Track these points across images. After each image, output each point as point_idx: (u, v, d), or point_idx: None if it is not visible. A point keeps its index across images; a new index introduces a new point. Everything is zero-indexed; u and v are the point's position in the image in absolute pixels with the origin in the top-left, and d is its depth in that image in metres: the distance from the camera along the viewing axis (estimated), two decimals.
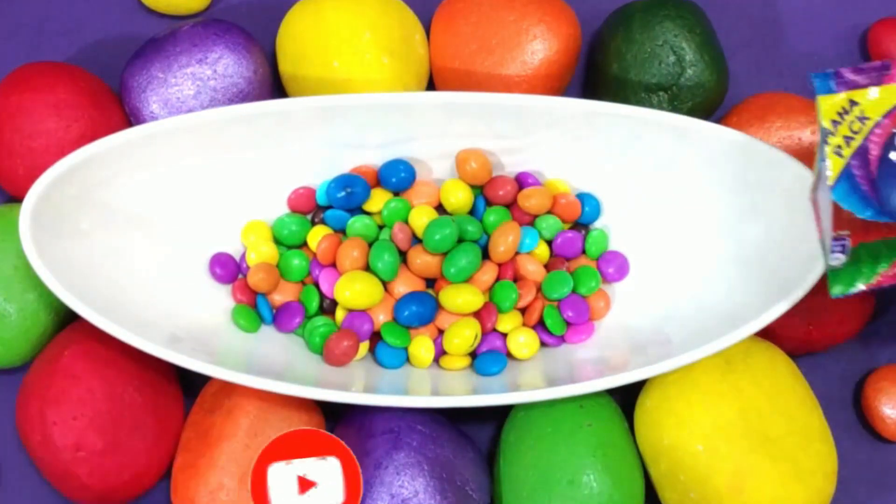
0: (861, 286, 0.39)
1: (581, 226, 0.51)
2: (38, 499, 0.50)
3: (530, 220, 0.50)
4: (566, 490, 0.44)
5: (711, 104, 0.51)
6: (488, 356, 0.48)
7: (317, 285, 0.50)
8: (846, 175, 0.37)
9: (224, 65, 0.51)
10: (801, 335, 0.49)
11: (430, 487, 0.43)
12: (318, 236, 0.49)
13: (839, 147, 0.36)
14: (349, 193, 0.49)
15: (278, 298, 0.49)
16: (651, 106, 0.51)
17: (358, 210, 0.50)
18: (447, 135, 0.49)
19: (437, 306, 0.48)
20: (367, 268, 0.48)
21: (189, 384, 0.50)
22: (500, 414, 0.50)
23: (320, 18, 0.51)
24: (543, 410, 0.46)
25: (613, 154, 0.49)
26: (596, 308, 0.50)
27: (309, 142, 0.49)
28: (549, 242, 0.50)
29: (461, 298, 0.47)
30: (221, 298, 0.49)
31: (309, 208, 0.51)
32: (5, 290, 0.47)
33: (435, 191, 0.50)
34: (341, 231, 0.50)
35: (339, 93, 0.49)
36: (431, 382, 0.47)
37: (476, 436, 0.50)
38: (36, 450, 0.45)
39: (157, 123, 0.45)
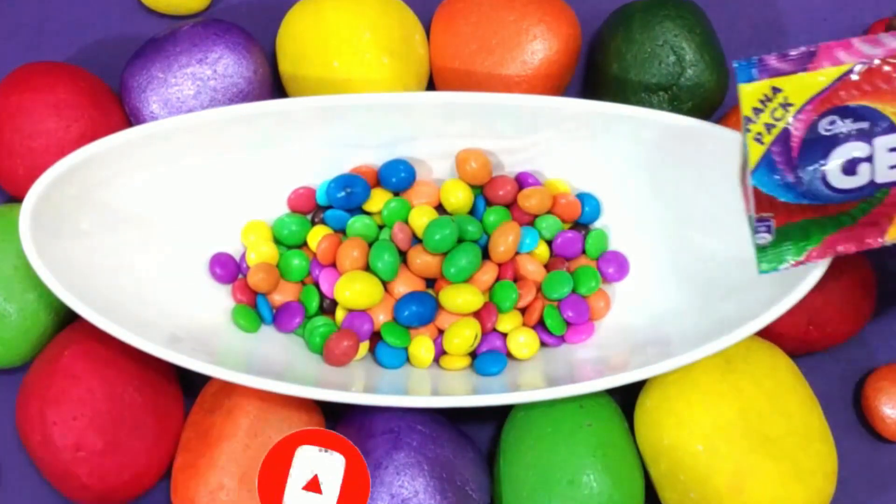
0: (790, 262, 0.40)
1: (581, 226, 0.51)
2: (38, 499, 0.50)
3: (530, 220, 0.50)
4: (566, 490, 0.44)
5: (711, 104, 0.51)
6: (488, 356, 0.48)
7: (317, 285, 0.50)
8: (766, 161, 0.37)
9: (224, 65, 0.51)
10: (801, 335, 0.49)
11: (430, 487, 0.43)
12: (318, 236, 0.49)
13: (759, 134, 0.37)
14: (349, 193, 0.49)
15: (278, 298, 0.49)
16: (651, 106, 0.51)
17: (358, 210, 0.50)
18: (447, 135, 0.49)
19: (437, 306, 0.48)
20: (367, 268, 0.48)
21: (189, 384, 0.50)
22: (500, 414, 0.50)
23: (320, 18, 0.51)
24: (543, 410, 0.46)
25: (613, 154, 0.49)
26: (596, 308, 0.50)
27: (309, 142, 0.49)
28: (549, 242, 0.50)
29: (461, 298, 0.47)
30: (221, 298, 0.49)
31: (309, 208, 0.51)
32: (5, 290, 0.47)
33: (435, 191, 0.50)
34: (341, 231, 0.50)
35: (339, 93, 0.49)
36: (431, 382, 0.47)
37: (476, 436, 0.50)
38: (36, 450, 0.45)
39: (157, 123, 0.45)
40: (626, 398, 0.49)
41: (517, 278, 0.49)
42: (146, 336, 0.43)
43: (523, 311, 0.49)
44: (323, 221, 0.50)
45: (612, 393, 0.48)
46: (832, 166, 0.37)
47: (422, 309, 0.47)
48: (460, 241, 0.49)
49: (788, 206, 0.39)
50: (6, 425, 0.51)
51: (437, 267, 0.48)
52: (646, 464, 0.47)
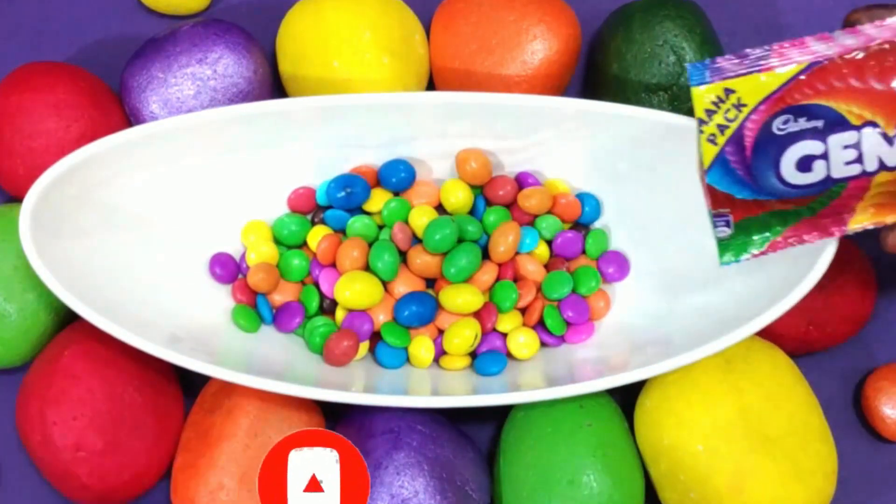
0: (751, 253, 0.40)
1: (581, 226, 0.51)
2: (38, 499, 0.50)
3: (530, 220, 0.50)
4: (566, 490, 0.44)
5: None
6: (488, 356, 0.48)
7: (317, 285, 0.50)
8: (720, 161, 0.38)
9: (224, 65, 0.51)
10: (801, 335, 0.49)
11: (430, 487, 0.43)
12: (318, 236, 0.49)
13: (713, 135, 0.37)
14: (349, 193, 0.49)
15: (278, 298, 0.49)
16: (651, 106, 0.51)
17: (358, 210, 0.50)
18: (447, 135, 0.49)
19: (437, 306, 0.48)
20: (367, 268, 0.48)
21: (189, 384, 0.50)
22: (500, 414, 0.50)
23: (320, 18, 0.51)
24: (543, 410, 0.46)
25: (613, 154, 0.49)
26: (596, 308, 0.50)
27: (309, 142, 0.49)
28: (549, 242, 0.50)
29: (461, 298, 0.47)
30: (221, 298, 0.49)
31: (309, 208, 0.51)
32: (5, 290, 0.47)
33: (435, 191, 0.50)
34: (341, 231, 0.50)
35: (339, 93, 0.49)
36: (431, 382, 0.47)
37: (476, 436, 0.50)
38: (36, 450, 0.45)
39: (157, 123, 0.45)
40: (626, 398, 0.49)
41: (517, 278, 0.49)
42: (146, 336, 0.43)
43: (523, 311, 0.49)
44: (323, 221, 0.50)
45: (612, 393, 0.48)
46: (787, 164, 0.38)
47: (422, 309, 0.47)
48: (460, 241, 0.49)
49: (746, 201, 0.39)
50: (6, 425, 0.51)
51: (437, 267, 0.48)
52: (646, 464, 0.47)
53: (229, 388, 0.46)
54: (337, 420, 0.49)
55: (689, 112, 0.50)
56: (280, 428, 0.46)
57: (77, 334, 0.47)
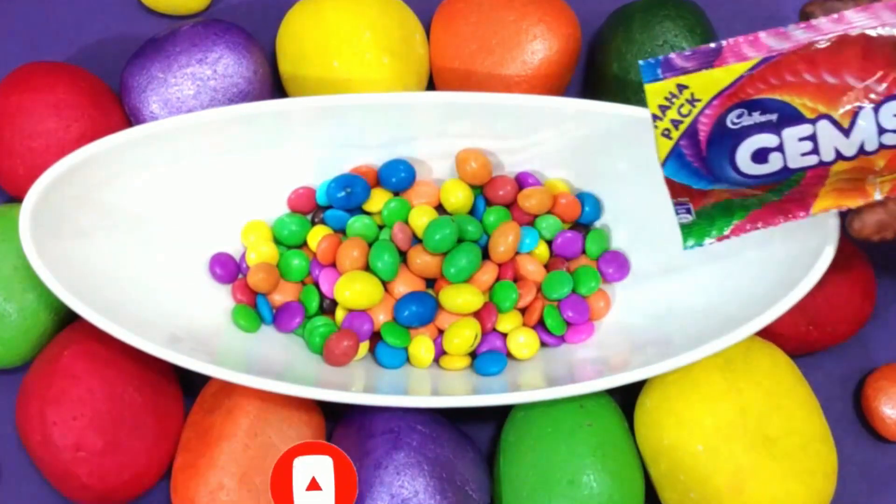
0: (714, 237, 0.41)
1: (581, 226, 0.51)
2: (38, 499, 0.50)
3: (530, 220, 0.50)
4: (566, 490, 0.44)
5: None
6: (488, 356, 0.48)
7: (317, 285, 0.50)
8: (676, 154, 0.38)
9: (224, 65, 0.51)
10: (801, 335, 0.49)
11: (430, 487, 0.43)
12: (318, 236, 0.49)
13: (667, 130, 0.38)
14: (349, 193, 0.49)
15: (278, 298, 0.49)
16: None
17: (358, 210, 0.50)
18: (447, 135, 0.49)
19: (437, 306, 0.48)
20: (367, 268, 0.48)
21: (189, 384, 0.50)
22: (500, 414, 0.50)
23: (320, 18, 0.51)
24: (543, 410, 0.46)
25: (613, 154, 0.49)
26: (596, 308, 0.50)
27: (309, 142, 0.49)
28: (549, 242, 0.50)
29: (461, 298, 0.47)
30: (221, 298, 0.49)
31: (309, 208, 0.51)
32: (5, 290, 0.47)
33: (435, 191, 0.50)
34: (341, 231, 0.50)
35: (339, 93, 0.49)
36: (431, 382, 0.47)
37: (476, 436, 0.50)
38: (36, 450, 0.45)
39: (157, 123, 0.45)
40: (626, 398, 0.49)
41: (517, 278, 0.49)
42: (146, 336, 0.43)
43: (523, 311, 0.49)
44: (323, 221, 0.50)
45: (612, 393, 0.48)
46: (742, 157, 0.38)
47: (422, 309, 0.47)
48: (460, 241, 0.49)
49: (704, 191, 0.39)
50: (6, 425, 0.51)
51: (437, 267, 0.48)
52: (646, 464, 0.47)
53: (229, 388, 0.46)
54: (337, 420, 0.49)
55: None
56: (280, 428, 0.46)
57: (77, 334, 0.47)
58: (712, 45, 0.36)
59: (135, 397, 0.46)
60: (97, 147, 0.45)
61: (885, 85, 0.36)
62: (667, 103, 0.37)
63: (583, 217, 0.50)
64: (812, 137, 0.37)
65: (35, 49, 0.56)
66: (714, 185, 0.39)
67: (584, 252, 0.51)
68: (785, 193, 0.39)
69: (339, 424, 0.48)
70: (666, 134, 0.38)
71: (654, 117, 0.37)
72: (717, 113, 0.37)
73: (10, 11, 0.57)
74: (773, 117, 0.37)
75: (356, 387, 0.45)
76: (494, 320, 0.48)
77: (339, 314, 0.49)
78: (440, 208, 0.50)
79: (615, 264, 0.50)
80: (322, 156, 0.50)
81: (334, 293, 0.48)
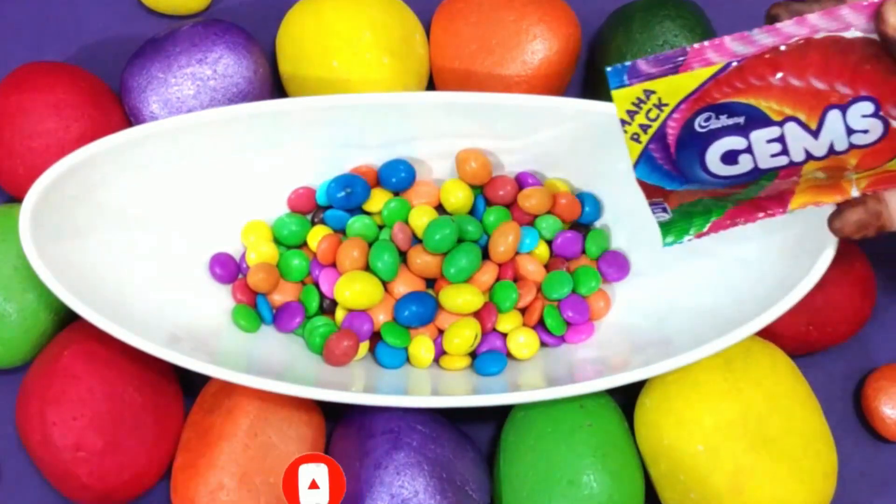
0: (693, 234, 0.41)
1: (581, 226, 0.51)
2: (38, 499, 0.50)
3: (530, 220, 0.50)
4: (566, 490, 0.44)
5: None
6: (488, 356, 0.48)
7: (317, 285, 0.50)
8: (646, 157, 0.38)
9: (224, 65, 0.51)
10: (801, 335, 0.49)
11: (430, 487, 0.43)
12: (318, 236, 0.49)
13: (636, 134, 0.38)
14: (349, 193, 0.49)
15: (278, 298, 0.49)
16: None
17: (358, 210, 0.50)
18: (447, 135, 0.49)
19: (437, 306, 0.48)
20: (367, 268, 0.48)
21: (189, 384, 0.50)
22: (500, 414, 0.50)
23: (320, 18, 0.51)
24: (543, 410, 0.46)
25: (613, 154, 0.49)
26: (596, 308, 0.50)
27: (309, 142, 0.49)
28: (549, 242, 0.50)
29: (461, 298, 0.47)
30: (221, 298, 0.49)
31: (309, 208, 0.51)
32: (5, 290, 0.47)
33: (435, 191, 0.50)
34: (341, 231, 0.50)
35: (339, 93, 0.49)
36: (431, 382, 0.47)
37: (476, 436, 0.50)
38: (36, 450, 0.45)
39: (157, 123, 0.45)
40: (626, 398, 0.49)
41: (517, 278, 0.49)
42: (146, 336, 0.43)
43: (523, 311, 0.49)
44: (323, 221, 0.50)
45: (612, 393, 0.48)
46: (712, 159, 0.38)
47: (422, 309, 0.47)
48: (460, 241, 0.49)
49: (677, 191, 0.40)
50: (6, 425, 0.51)
51: (437, 267, 0.48)
52: (646, 464, 0.47)
53: (229, 388, 0.46)
54: (337, 420, 0.49)
55: None
56: (280, 428, 0.46)
57: (77, 334, 0.47)
58: (678, 50, 0.36)
59: (135, 397, 0.46)
60: (97, 147, 0.45)
61: (849, 87, 0.36)
62: (634, 108, 0.37)
63: (583, 217, 0.50)
64: (780, 139, 0.37)
65: (35, 49, 0.56)
66: (686, 185, 0.39)
67: (584, 252, 0.51)
68: (760, 191, 0.40)
69: (339, 424, 0.48)
70: (635, 138, 0.38)
71: (623, 122, 0.38)
72: (684, 117, 0.37)
73: (10, 11, 0.57)
74: (741, 120, 0.37)
75: (356, 387, 0.45)
76: (494, 320, 0.48)
77: (339, 314, 0.49)
78: (440, 208, 0.50)
79: (615, 264, 0.50)
80: (322, 156, 0.50)
81: (334, 293, 0.48)
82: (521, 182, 0.50)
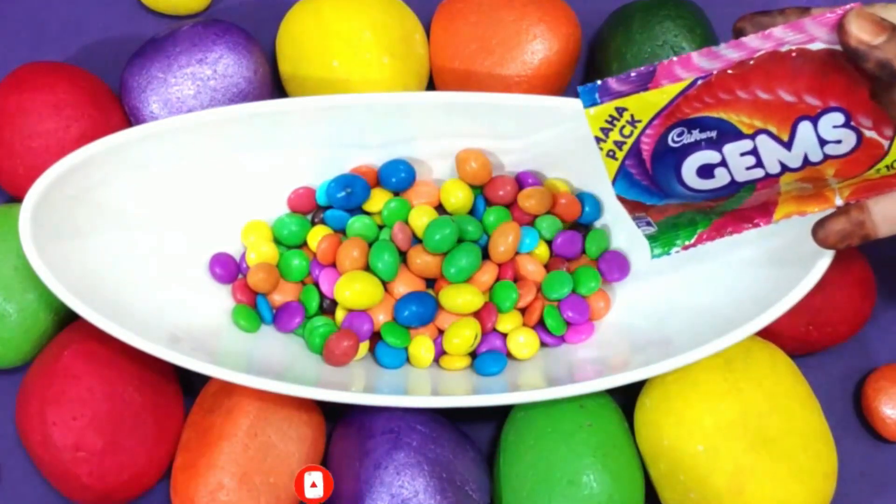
0: (680, 246, 0.42)
1: (581, 226, 0.51)
2: (38, 499, 0.50)
3: (530, 220, 0.50)
4: (566, 490, 0.44)
5: None
6: (488, 356, 0.48)
7: (317, 285, 0.50)
8: (623, 173, 0.39)
9: (224, 65, 0.51)
10: (801, 335, 0.49)
11: (430, 487, 0.43)
12: (318, 236, 0.49)
13: (612, 151, 0.38)
14: (349, 193, 0.49)
15: (278, 298, 0.49)
16: None
17: (358, 210, 0.50)
18: (447, 135, 0.49)
19: (437, 306, 0.48)
20: (367, 268, 0.48)
21: (189, 384, 0.50)
22: (500, 414, 0.50)
23: (320, 18, 0.51)
24: (543, 410, 0.46)
25: None
26: (596, 308, 0.50)
27: (309, 142, 0.49)
28: (549, 242, 0.50)
29: (461, 298, 0.47)
30: (221, 298, 0.49)
31: (309, 208, 0.51)
32: (5, 290, 0.47)
33: (435, 191, 0.50)
34: (341, 231, 0.50)
35: (339, 93, 0.49)
36: (431, 382, 0.47)
37: (476, 436, 0.50)
38: (36, 450, 0.45)
39: (157, 123, 0.45)
40: (626, 398, 0.49)
41: (517, 278, 0.49)
42: (146, 336, 0.43)
43: (523, 311, 0.49)
44: (323, 221, 0.50)
45: (612, 393, 0.48)
46: (687, 173, 0.39)
47: (422, 309, 0.47)
48: (460, 241, 0.49)
49: (658, 205, 0.40)
50: (6, 425, 0.51)
51: (437, 267, 0.48)
52: (646, 464, 0.47)
53: (229, 388, 0.46)
54: (337, 420, 0.49)
55: None
56: (280, 428, 0.46)
57: (77, 334, 0.47)
58: (647, 67, 0.36)
59: (135, 397, 0.46)
60: (97, 147, 0.45)
61: (818, 98, 0.36)
62: (608, 126, 0.38)
63: (583, 217, 0.50)
64: (753, 152, 0.38)
65: (35, 49, 0.56)
66: (665, 200, 0.40)
67: (584, 252, 0.51)
68: (742, 203, 0.40)
69: (339, 424, 0.48)
70: (611, 155, 0.38)
71: (598, 140, 0.38)
72: (657, 132, 0.38)
73: (10, 11, 0.57)
74: (713, 134, 0.38)
75: (356, 387, 0.45)
76: (494, 320, 0.48)
77: (339, 314, 0.49)
78: (440, 208, 0.50)
79: (615, 264, 0.50)
80: (322, 156, 0.50)
81: (334, 293, 0.48)
82: (521, 182, 0.50)
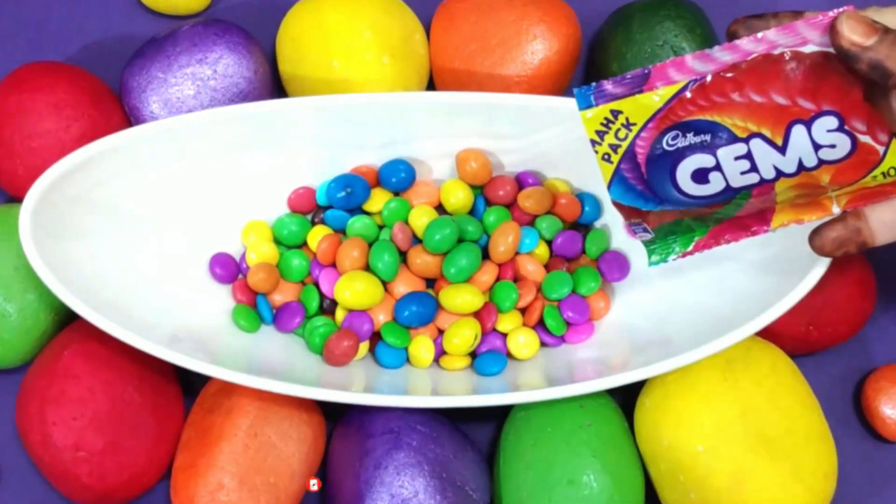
0: (678, 253, 0.42)
1: (581, 226, 0.51)
2: (38, 499, 0.50)
3: (530, 220, 0.50)
4: (566, 490, 0.44)
5: None
6: (488, 356, 0.48)
7: (317, 285, 0.50)
8: (618, 178, 0.39)
9: (224, 65, 0.51)
10: (801, 335, 0.49)
11: (430, 487, 0.43)
12: (318, 236, 0.49)
13: (607, 154, 0.38)
14: (349, 193, 0.49)
15: (278, 298, 0.49)
16: None
17: (358, 210, 0.50)
18: (447, 135, 0.49)
19: (437, 306, 0.48)
20: (367, 268, 0.48)
21: (189, 384, 0.50)
22: (500, 414, 0.50)
23: (320, 18, 0.51)
24: (543, 410, 0.46)
25: None
26: (596, 308, 0.50)
27: (309, 142, 0.49)
28: (549, 242, 0.50)
29: (461, 298, 0.47)
30: (221, 298, 0.49)
31: (309, 208, 0.51)
32: (5, 290, 0.47)
33: (435, 191, 0.50)
34: (341, 231, 0.50)
35: (339, 93, 0.49)
36: (431, 382, 0.47)
37: (476, 436, 0.50)
38: (36, 450, 0.45)
39: (157, 123, 0.45)
40: (626, 398, 0.49)
41: (517, 278, 0.49)
42: (146, 336, 0.43)
43: (523, 311, 0.49)
44: (323, 221, 0.50)
45: (612, 393, 0.48)
46: (682, 177, 0.39)
47: (422, 309, 0.47)
48: (460, 241, 0.49)
49: (653, 211, 0.40)
50: (6, 425, 0.51)
51: (437, 267, 0.48)
52: (646, 464, 0.47)
53: (229, 388, 0.46)
54: (337, 420, 0.49)
55: None
56: (280, 428, 0.46)
57: (77, 334, 0.47)
58: (642, 69, 0.36)
59: (135, 397, 0.46)
60: (97, 147, 0.45)
61: (811, 101, 0.36)
62: (603, 128, 0.38)
63: (583, 217, 0.50)
64: (748, 156, 0.38)
65: (35, 49, 0.56)
66: (660, 206, 0.40)
67: (583, 252, 0.51)
68: (739, 210, 0.40)
69: (339, 424, 0.48)
70: (606, 158, 0.38)
71: (593, 143, 0.38)
72: (652, 136, 0.38)
73: (10, 11, 0.57)
74: (707, 137, 0.38)
75: (356, 387, 0.45)
76: (494, 320, 0.48)
77: (339, 314, 0.49)
78: (440, 208, 0.50)
79: (615, 264, 0.50)
80: (322, 156, 0.50)
81: (334, 293, 0.48)
82: (521, 182, 0.50)
